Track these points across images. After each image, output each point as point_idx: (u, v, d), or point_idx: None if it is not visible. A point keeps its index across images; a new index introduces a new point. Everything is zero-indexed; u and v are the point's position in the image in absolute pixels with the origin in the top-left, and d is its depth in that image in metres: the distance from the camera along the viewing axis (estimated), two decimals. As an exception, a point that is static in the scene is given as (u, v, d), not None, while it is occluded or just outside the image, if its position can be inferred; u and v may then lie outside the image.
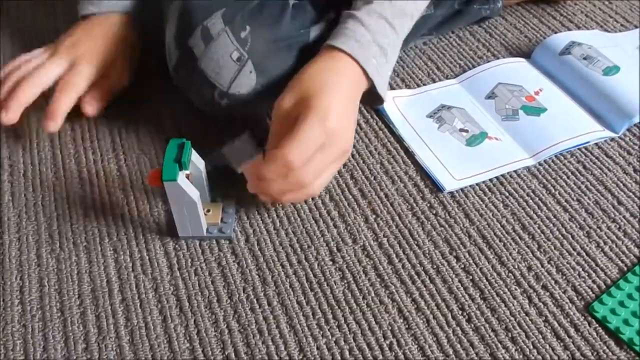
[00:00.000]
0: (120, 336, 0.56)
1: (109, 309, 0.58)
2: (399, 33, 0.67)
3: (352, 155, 0.71)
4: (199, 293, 0.59)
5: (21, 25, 0.95)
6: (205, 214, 0.63)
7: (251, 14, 0.66)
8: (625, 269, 0.60)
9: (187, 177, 0.59)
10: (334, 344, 0.55)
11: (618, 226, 0.64)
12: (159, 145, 0.73)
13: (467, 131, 0.73)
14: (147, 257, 0.62)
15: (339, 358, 0.54)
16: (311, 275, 0.60)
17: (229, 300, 0.59)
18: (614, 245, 0.62)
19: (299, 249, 0.62)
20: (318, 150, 0.58)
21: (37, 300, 0.59)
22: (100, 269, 0.61)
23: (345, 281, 0.60)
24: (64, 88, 0.70)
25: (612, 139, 0.73)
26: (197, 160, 0.61)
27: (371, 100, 0.69)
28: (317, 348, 0.55)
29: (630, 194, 0.67)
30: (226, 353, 0.55)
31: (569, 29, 0.88)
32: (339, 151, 0.60)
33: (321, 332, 0.56)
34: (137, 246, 0.63)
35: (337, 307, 0.58)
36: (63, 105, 0.70)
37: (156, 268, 0.61)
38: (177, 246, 0.63)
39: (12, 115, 0.69)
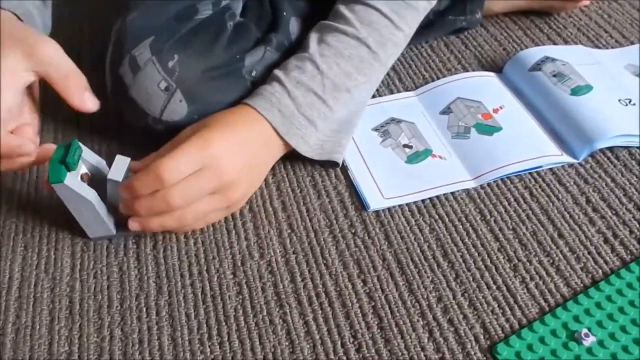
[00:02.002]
0: (6, 334, 0.56)
1: (2, 305, 0.58)
2: (332, 106, 0.64)
3: (284, 166, 0.68)
4: (92, 297, 0.58)
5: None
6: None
7: (181, 42, 0.64)
8: (547, 309, 0.55)
9: (82, 177, 0.58)
10: (209, 362, 0.53)
11: (551, 261, 0.58)
12: (97, 146, 0.73)
13: (411, 147, 0.69)
14: (53, 256, 0.62)
15: (211, 377, 0.52)
16: (207, 287, 0.58)
17: (119, 307, 0.57)
18: (540, 282, 0.57)
19: (202, 260, 0.60)
20: (193, 175, 0.56)
21: (-63, 291, 0.60)
22: (6, 264, 0.61)
23: (241, 297, 0.57)
24: None
25: (571, 165, 0.67)
26: (94, 159, 0.59)
27: (325, 163, 0.67)
28: (192, 364, 0.53)
29: (575, 226, 0.61)
30: (100, 360, 0.54)
31: (556, 43, 0.82)
32: (218, 182, 0.58)
33: (200, 348, 0.54)
34: (47, 244, 0.63)
35: (224, 323, 0.55)
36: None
37: (58, 268, 0.61)
38: (85, 247, 0.62)
39: None
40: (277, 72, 0.65)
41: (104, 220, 0.60)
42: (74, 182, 0.56)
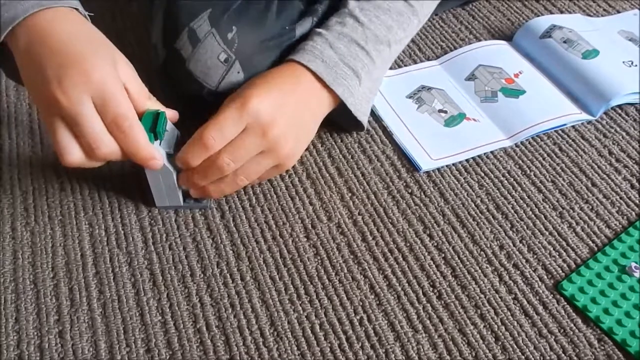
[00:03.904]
0: (93, 308, 0.56)
1: (82, 282, 0.58)
2: (374, 58, 0.66)
3: (330, 134, 0.72)
4: (173, 267, 0.59)
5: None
6: None
7: (237, 14, 0.66)
8: (596, 249, 0.61)
9: None
10: (305, 319, 0.56)
11: (591, 207, 0.64)
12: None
13: (445, 112, 0.74)
14: (122, 232, 0.62)
15: (310, 332, 0.55)
16: (285, 251, 0.61)
17: (202, 275, 0.59)
18: (585, 226, 0.63)
19: (273, 226, 0.63)
20: (238, 136, 0.58)
21: (11, 272, 0.59)
22: (74, 242, 0.61)
23: (319, 257, 0.60)
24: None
25: (589, 122, 0.73)
26: (172, 131, 0.61)
27: (350, 125, 0.69)
28: (289, 322, 0.55)
29: (605, 176, 0.67)
30: (198, 326, 0.55)
31: (552, 13, 0.88)
32: (263, 139, 0.58)
33: (293, 307, 0.57)
34: (113, 221, 0.63)
35: (309, 283, 0.58)
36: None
37: (131, 242, 0.61)
38: (152, 221, 0.63)
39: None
40: (318, 29, 0.66)
41: (176, 190, 0.61)
42: (160, 151, 0.57)
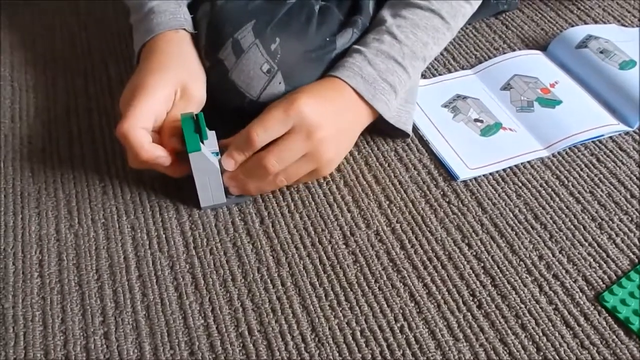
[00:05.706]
0: (137, 311, 0.57)
1: (125, 285, 0.59)
2: (411, 74, 0.68)
3: (367, 142, 0.72)
4: (214, 272, 0.60)
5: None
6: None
7: (280, 25, 0.67)
8: (637, 260, 0.61)
9: None
10: (345, 325, 0.56)
11: (630, 219, 0.64)
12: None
13: (481, 121, 0.74)
14: (163, 236, 0.63)
15: (351, 339, 0.55)
16: (324, 257, 0.61)
17: (243, 280, 0.60)
18: (625, 237, 0.63)
19: (312, 232, 0.63)
20: (284, 137, 0.60)
21: (56, 273, 0.60)
22: (117, 245, 0.62)
23: (358, 264, 0.61)
24: None
25: (627, 133, 0.73)
26: (211, 132, 0.62)
27: (397, 134, 0.71)
28: (329, 328, 0.56)
29: (643, 187, 0.67)
30: (240, 330, 0.56)
31: (586, 23, 0.88)
32: (308, 141, 0.61)
33: (333, 313, 0.57)
34: (154, 225, 0.64)
35: (349, 290, 0.59)
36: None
37: (172, 246, 0.62)
38: (193, 226, 0.64)
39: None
40: (356, 46, 0.68)
41: (222, 188, 0.62)
42: (206, 151, 0.58)
